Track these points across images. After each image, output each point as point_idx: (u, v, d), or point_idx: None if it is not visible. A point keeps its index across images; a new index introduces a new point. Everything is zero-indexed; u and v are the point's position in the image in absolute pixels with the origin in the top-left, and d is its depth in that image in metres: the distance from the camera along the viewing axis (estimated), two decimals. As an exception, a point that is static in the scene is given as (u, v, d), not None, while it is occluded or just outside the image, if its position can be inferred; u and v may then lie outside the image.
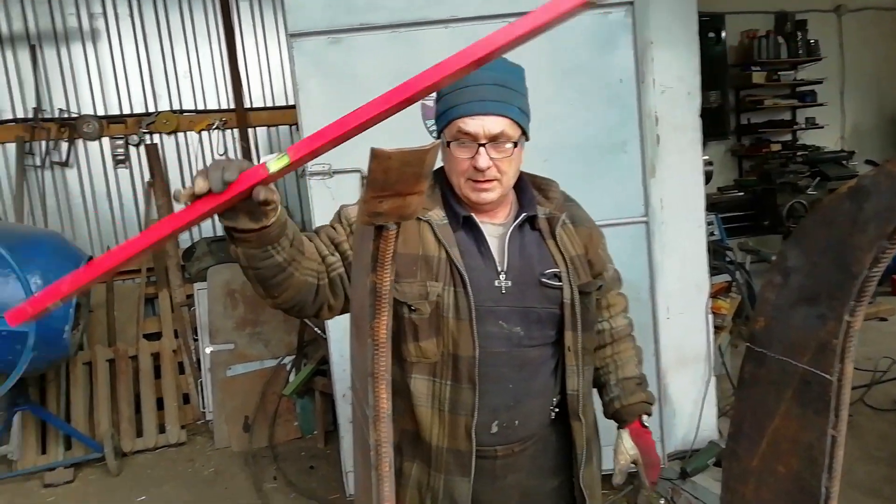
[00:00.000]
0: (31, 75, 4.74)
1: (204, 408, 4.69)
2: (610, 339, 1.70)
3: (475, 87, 1.40)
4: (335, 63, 2.84)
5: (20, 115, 4.76)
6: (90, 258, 3.53)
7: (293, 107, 5.08)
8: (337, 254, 1.42)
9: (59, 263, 3.18)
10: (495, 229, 1.51)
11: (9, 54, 4.72)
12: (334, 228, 1.47)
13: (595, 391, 1.70)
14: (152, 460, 4.27)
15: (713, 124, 6.10)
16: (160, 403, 4.59)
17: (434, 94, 1.48)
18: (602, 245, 1.63)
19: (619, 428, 1.69)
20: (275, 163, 0.92)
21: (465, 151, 1.43)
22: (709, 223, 3.88)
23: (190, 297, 4.89)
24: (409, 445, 1.53)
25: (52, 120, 4.78)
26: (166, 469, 4.13)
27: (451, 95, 1.43)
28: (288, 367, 4.50)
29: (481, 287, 1.45)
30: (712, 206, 5.33)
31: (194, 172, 5.06)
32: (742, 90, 6.85)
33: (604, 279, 1.62)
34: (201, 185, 0.94)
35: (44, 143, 4.79)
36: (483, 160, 1.39)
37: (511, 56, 1.49)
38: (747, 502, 1.36)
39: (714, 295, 3.46)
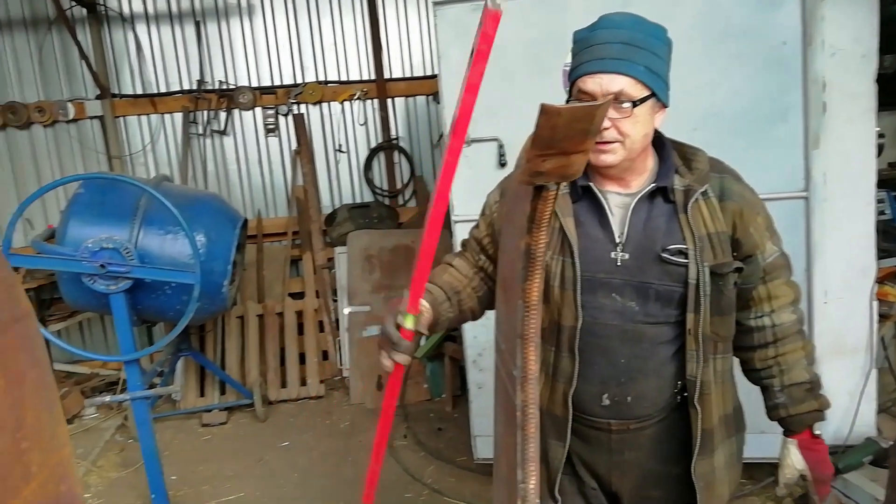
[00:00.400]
0: (195, 50, 5.13)
1: (341, 365, 4.96)
2: (772, 338, 1.53)
3: (598, 45, 1.35)
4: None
5: (185, 87, 5.18)
6: (245, 221, 3.81)
7: (430, 77, 5.25)
8: (482, 257, 1.62)
9: (220, 223, 3.47)
10: (622, 199, 1.45)
11: (177, 30, 5.13)
12: (478, 227, 1.63)
13: (746, 374, 1.60)
14: (294, 410, 4.59)
15: (886, 92, 5.48)
16: (302, 358, 4.91)
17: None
18: (757, 224, 1.47)
19: (785, 437, 1.56)
20: (408, 321, 1.37)
21: None
22: (879, 201, 3.50)
23: (330, 260, 5.16)
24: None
25: (212, 91, 5.16)
26: (306, 419, 4.42)
27: (577, 56, 1.40)
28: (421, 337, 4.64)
29: (595, 258, 1.42)
30: (882, 182, 4.82)
31: (336, 141, 5.32)
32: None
33: (757, 263, 1.48)
34: (389, 364, 1.45)
35: (205, 112, 5.18)
36: (605, 121, 1.32)
37: (659, 16, 1.43)
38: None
39: (881, 280, 3.14)
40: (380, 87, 5.28)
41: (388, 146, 5.38)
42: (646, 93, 1.34)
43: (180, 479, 3.68)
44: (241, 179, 5.37)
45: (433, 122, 5.40)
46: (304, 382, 4.79)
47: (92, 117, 5.08)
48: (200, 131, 5.21)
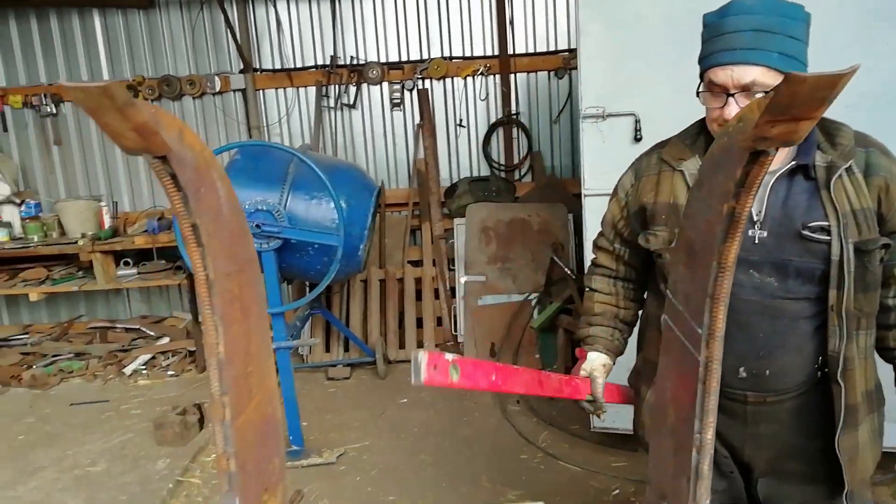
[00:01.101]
0: (329, 26, 5.35)
1: (455, 331, 5.11)
2: None
3: (730, 34, 1.34)
4: (619, 6, 2.81)
5: (319, 62, 5.42)
6: (380, 188, 3.98)
7: (553, 52, 5.23)
8: (617, 245, 1.74)
9: (358, 190, 3.66)
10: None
11: (314, 7, 5.37)
12: (611, 211, 1.73)
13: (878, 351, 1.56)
14: (411, 371, 4.78)
15: None
16: (419, 323, 5.09)
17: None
18: None
19: None
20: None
21: (716, 101, 1.39)
22: None
23: (448, 230, 5.29)
24: (649, 371, 1.63)
25: (343, 66, 5.37)
26: (423, 380, 4.60)
27: (708, 43, 1.39)
28: (533, 303, 4.70)
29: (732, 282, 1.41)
30: None
31: (457, 115, 5.41)
32: None
33: None
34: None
35: (336, 86, 5.41)
36: (731, 110, 1.34)
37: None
38: None
39: None
40: (503, 63, 5.30)
41: (507, 121, 5.42)
42: (781, 78, 1.31)
43: (310, 425, 3.96)
44: (367, 151, 5.58)
45: (553, 97, 5.38)
46: (420, 345, 4.98)
47: (235, 90, 5.43)
48: (332, 104, 5.45)
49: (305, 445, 3.57)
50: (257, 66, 5.41)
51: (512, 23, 5.29)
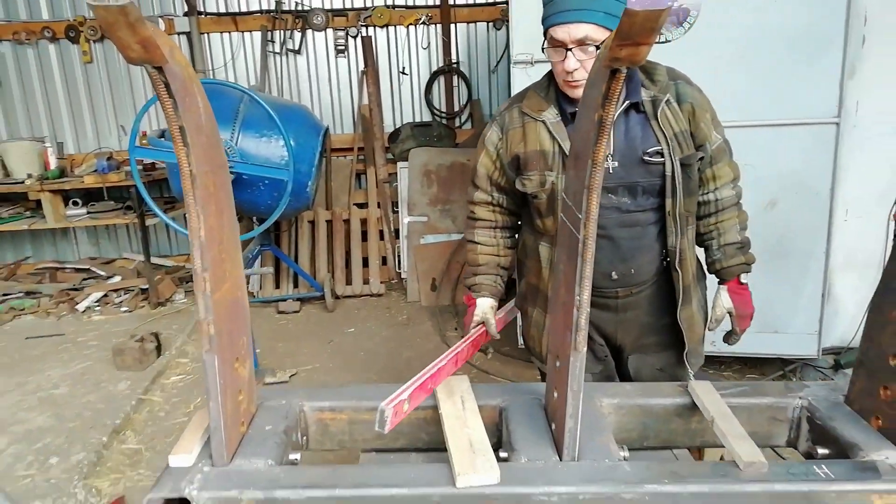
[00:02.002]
0: (274, -29, 5.39)
1: (399, 268, 5.39)
2: (715, 210, 1.89)
3: None
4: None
5: (265, 7, 5.45)
6: (327, 129, 4.15)
7: (492, 4, 5.41)
8: (495, 194, 1.95)
9: (306, 130, 3.83)
10: None
11: (258, -48, 5.37)
12: (484, 166, 1.94)
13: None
14: (358, 304, 5.06)
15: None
16: (365, 262, 5.34)
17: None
18: (706, 119, 1.78)
19: (718, 285, 1.94)
20: None
21: (557, 55, 1.66)
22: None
23: (392, 174, 5.51)
24: (532, 295, 1.99)
25: (289, 12, 5.43)
26: (369, 312, 4.89)
27: (548, 6, 1.66)
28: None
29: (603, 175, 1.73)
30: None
31: (400, 63, 5.57)
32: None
33: (706, 151, 1.80)
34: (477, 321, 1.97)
35: (281, 32, 5.47)
36: (570, 62, 1.62)
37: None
38: (883, 348, 1.56)
39: (901, 204, 3.35)
40: (444, 13, 5.47)
41: (448, 70, 5.61)
42: (607, 33, 1.59)
43: (263, 352, 4.20)
44: (312, 97, 5.69)
45: (492, 47, 5.60)
46: (366, 282, 5.24)
47: (180, 33, 5.42)
48: (277, 50, 5.51)
49: (260, 366, 3.81)
50: (202, 10, 5.40)
51: (453, -27, 5.44)
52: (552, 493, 1.39)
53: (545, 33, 1.68)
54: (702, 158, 1.80)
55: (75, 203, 5.08)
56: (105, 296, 5.12)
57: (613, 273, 1.84)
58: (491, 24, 5.51)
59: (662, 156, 1.72)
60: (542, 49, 1.72)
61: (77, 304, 4.97)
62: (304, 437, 1.77)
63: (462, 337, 2.02)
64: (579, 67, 1.63)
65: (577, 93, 1.69)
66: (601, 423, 1.64)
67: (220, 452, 1.46)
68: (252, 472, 1.45)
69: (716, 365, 3.53)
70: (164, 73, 1.09)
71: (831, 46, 2.87)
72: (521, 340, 3.74)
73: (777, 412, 1.78)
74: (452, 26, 5.54)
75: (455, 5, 5.48)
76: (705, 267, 1.98)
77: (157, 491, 1.39)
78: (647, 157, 1.73)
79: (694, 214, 1.87)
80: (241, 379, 1.58)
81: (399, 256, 5.40)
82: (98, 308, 4.99)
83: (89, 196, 5.25)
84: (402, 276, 5.34)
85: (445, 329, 4.46)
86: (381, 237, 5.47)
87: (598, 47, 1.60)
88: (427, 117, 5.72)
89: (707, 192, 1.89)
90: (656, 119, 1.73)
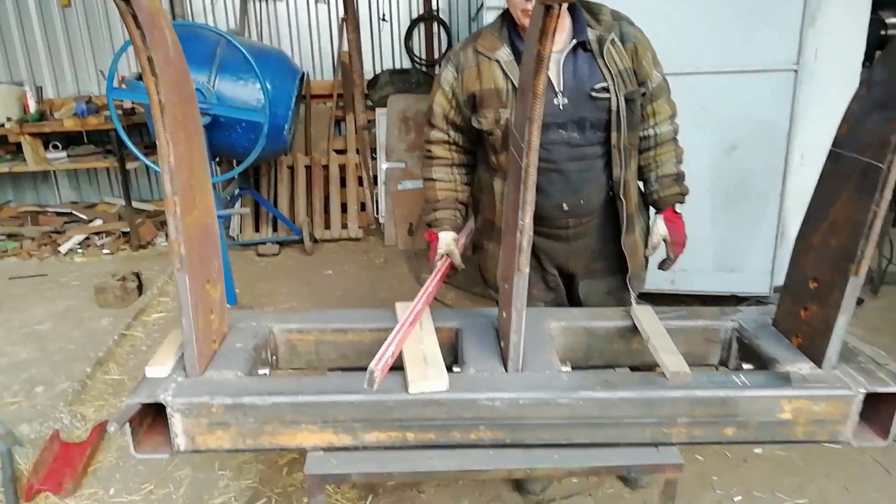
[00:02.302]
0: (251, -88, 5.29)
1: (377, 214, 5.48)
2: (654, 144, 2.02)
3: None
4: None
5: (242, -52, 5.38)
6: (303, 74, 4.18)
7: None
8: (451, 133, 2.03)
9: (283, 73, 3.85)
10: (554, 57, 1.84)
11: None
12: (439, 105, 2.02)
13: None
14: (336, 248, 5.16)
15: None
16: (344, 208, 5.42)
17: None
18: (647, 58, 1.90)
19: (655, 214, 2.09)
20: None
21: None
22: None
23: (371, 121, 5.54)
24: (487, 229, 2.13)
25: (267, -46, 5.36)
26: (347, 255, 5.00)
27: None
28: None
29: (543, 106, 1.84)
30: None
31: (380, 10, 5.53)
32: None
33: (648, 87, 1.92)
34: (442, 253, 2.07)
35: (260, -25, 5.41)
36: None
37: None
38: (806, 272, 1.70)
39: (855, 151, 3.47)
40: (423, -42, 5.43)
41: (428, 17, 5.59)
42: None
43: (243, 291, 4.30)
44: (292, 44, 5.67)
45: (471, -6, 5.58)
46: (344, 226, 5.33)
47: (156, -25, 5.33)
48: (256, -6, 5.46)
49: (238, 304, 3.92)
50: (179, -49, 5.32)
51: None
52: (495, 399, 1.53)
53: None
54: (644, 94, 1.91)
55: (56, 147, 5.09)
56: (87, 238, 5.17)
57: (564, 204, 1.96)
58: (469, -27, 5.48)
59: (608, 91, 1.83)
60: None
61: (59, 246, 5.03)
62: (274, 357, 1.90)
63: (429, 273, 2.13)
64: None
65: None
66: (547, 342, 1.78)
67: (192, 364, 1.58)
68: (222, 381, 1.58)
69: (675, 303, 3.69)
70: (130, 4, 1.16)
71: (792, -6, 2.94)
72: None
73: (711, 334, 1.93)
74: (432, -27, 5.50)
75: (435, -49, 5.44)
76: (645, 197, 2.12)
77: (134, 397, 1.51)
78: (594, 93, 1.83)
79: (636, 148, 1.99)
80: (212, 300, 1.69)
81: (377, 202, 5.49)
82: (80, 250, 5.05)
83: (69, 140, 5.25)
84: (380, 221, 5.43)
85: (421, 271, 4.59)
86: (360, 183, 5.54)
87: None
88: (406, 64, 5.73)
89: (647, 128, 2.01)
90: (602, 57, 1.83)
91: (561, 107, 1.85)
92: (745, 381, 1.59)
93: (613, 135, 1.88)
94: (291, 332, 1.90)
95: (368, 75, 5.65)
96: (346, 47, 5.56)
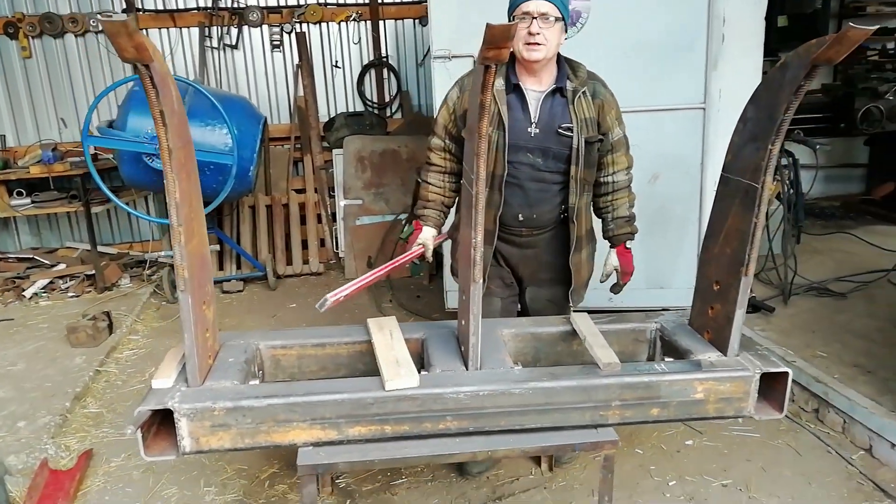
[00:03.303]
0: (209, -31, 5.55)
1: (337, 249, 5.69)
2: (612, 189, 2.40)
3: None
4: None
5: (201, 4, 5.61)
6: (265, 119, 4.41)
7: (418, 2, 5.75)
8: (447, 141, 2.35)
9: (247, 119, 4.08)
10: (536, 95, 2.23)
11: (193, -49, 5.52)
12: (442, 116, 2.36)
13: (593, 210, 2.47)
14: (298, 283, 5.34)
15: (808, 30, 6.11)
16: (304, 244, 5.62)
17: None
18: (611, 114, 2.27)
19: (609, 248, 2.47)
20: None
21: (524, 23, 2.11)
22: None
23: (328, 161, 5.78)
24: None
25: (225, 9, 5.60)
26: (309, 289, 5.18)
27: None
28: (403, 221, 5.36)
29: (518, 132, 2.21)
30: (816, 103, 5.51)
31: (333, 57, 5.84)
32: (846, -5, 6.70)
33: (609, 139, 2.29)
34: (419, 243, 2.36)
35: (219, 28, 5.64)
36: (535, 26, 2.08)
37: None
38: (710, 276, 2.02)
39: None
40: (373, 10, 5.77)
41: (378, 63, 5.92)
42: (560, 16, 2.10)
43: (212, 327, 4.43)
44: (250, 89, 5.88)
45: (419, 43, 5.93)
46: (306, 262, 5.52)
47: (117, 28, 5.51)
48: (215, 45, 5.68)
49: (209, 339, 4.05)
50: (140, 6, 5.52)
51: (380, -26, 5.75)
52: (459, 392, 1.78)
53: (514, 10, 2.13)
54: (601, 141, 2.27)
55: (19, 193, 5.14)
56: (51, 282, 5.21)
57: (520, 215, 2.30)
58: (417, 20, 5.84)
59: (572, 132, 2.19)
60: (510, 18, 2.16)
61: (24, 290, 5.05)
62: (261, 371, 2.11)
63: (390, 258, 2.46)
64: (540, 32, 2.08)
65: (535, 55, 2.12)
66: (501, 347, 2.05)
67: (193, 375, 1.78)
68: (221, 389, 1.79)
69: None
70: (150, 69, 1.40)
71: (696, 44, 3.36)
72: (447, 304, 4.14)
73: (638, 334, 2.23)
74: (381, 23, 5.84)
75: (383, 3, 5.78)
76: (601, 234, 2.48)
77: (145, 404, 1.70)
78: (560, 130, 2.20)
79: (591, 183, 2.34)
80: (207, 319, 1.90)
81: (336, 237, 5.70)
82: (45, 294, 5.08)
83: (31, 187, 5.31)
84: (340, 256, 5.64)
85: (381, 301, 4.81)
86: (319, 220, 5.75)
87: (556, 19, 2.09)
88: (360, 107, 6.02)
89: (606, 175, 2.37)
90: (572, 104, 2.20)
91: (532, 134, 2.21)
92: (664, 368, 1.89)
93: (572, 167, 2.23)
94: (276, 348, 2.11)
95: (324, 118, 5.91)
96: (301, 92, 5.82)
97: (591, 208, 2.44)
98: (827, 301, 3.93)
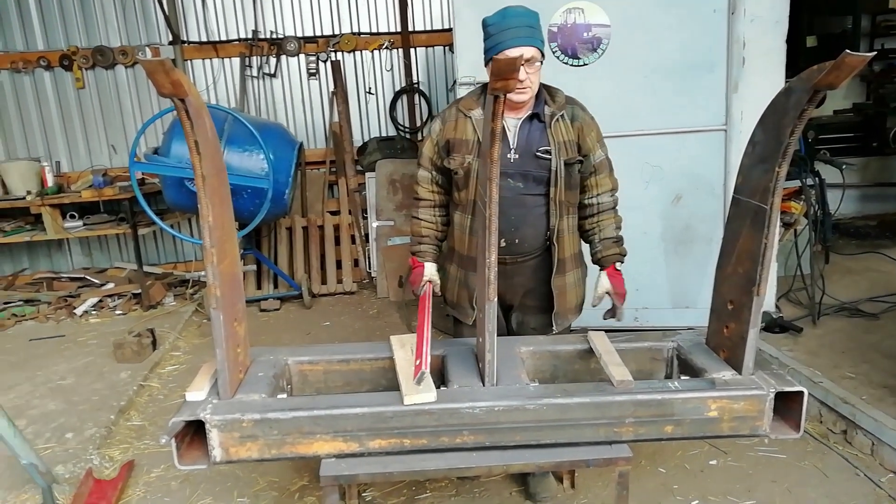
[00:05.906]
0: (251, 3, 5.78)
1: (369, 269, 5.80)
2: (596, 211, 2.38)
3: (514, 28, 2.11)
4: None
5: (242, 35, 5.85)
6: (301, 144, 4.56)
7: (447, 30, 5.89)
8: (434, 173, 2.39)
9: (283, 144, 4.23)
10: (514, 121, 2.26)
11: (235, -14, 5.78)
12: (427, 149, 2.39)
13: (579, 234, 2.45)
14: (332, 301, 5.45)
15: (838, 50, 6.03)
16: (339, 264, 5.74)
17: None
18: (591, 137, 2.28)
19: (600, 270, 2.42)
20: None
21: None
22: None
23: (361, 184, 5.92)
24: (450, 254, 2.49)
25: (264, 40, 5.83)
26: (343, 308, 5.29)
27: (497, 35, 2.15)
28: (434, 242, 5.44)
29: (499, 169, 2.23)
30: (822, 126, 5.47)
31: (366, 84, 6.00)
32: (878, 15, 6.60)
33: (590, 161, 2.30)
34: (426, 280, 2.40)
35: (258, 58, 5.87)
36: (522, 74, 2.10)
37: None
38: (725, 296, 2.03)
39: (785, 197, 3.88)
40: (404, 39, 5.92)
41: (409, 89, 6.06)
42: (541, 56, 2.15)
43: (249, 344, 4.55)
44: (287, 116, 6.08)
45: (448, 69, 6.05)
46: (340, 281, 5.64)
47: (165, 60, 5.77)
48: (254, 74, 5.90)
49: (246, 356, 4.17)
50: (185, 39, 5.78)
51: (412, 3, 5.90)
52: (475, 407, 1.82)
53: (498, 53, 2.08)
54: (581, 163, 2.29)
55: (72, 216, 5.40)
56: (100, 301, 5.43)
57: (503, 241, 2.28)
58: (447, 47, 5.97)
59: (550, 154, 2.21)
60: (487, 64, 2.17)
61: (75, 308, 5.28)
62: (289, 385, 2.18)
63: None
64: (528, 77, 2.13)
65: (522, 98, 2.17)
66: (517, 363, 2.08)
67: (224, 389, 1.87)
68: (250, 402, 1.86)
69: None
70: (185, 103, 1.51)
71: (717, 67, 3.38)
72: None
73: (655, 353, 2.24)
74: (412, 50, 5.99)
75: (414, 31, 5.94)
76: (590, 258, 2.46)
77: (178, 416, 1.79)
78: (538, 154, 2.22)
79: (574, 206, 2.35)
80: (238, 336, 1.99)
81: (369, 258, 5.81)
82: (94, 312, 5.30)
83: (82, 210, 5.57)
84: (372, 275, 5.74)
85: (412, 319, 4.88)
86: (353, 241, 5.87)
87: (540, 63, 2.15)
88: (392, 132, 6.16)
89: (591, 197, 2.37)
90: (550, 128, 2.23)
91: (512, 160, 2.24)
92: (678, 386, 1.90)
93: (552, 189, 2.24)
94: (303, 364, 2.19)
95: (357, 143, 6.06)
96: (336, 118, 5.99)
97: (577, 233, 2.41)
98: (858, 321, 3.84)
